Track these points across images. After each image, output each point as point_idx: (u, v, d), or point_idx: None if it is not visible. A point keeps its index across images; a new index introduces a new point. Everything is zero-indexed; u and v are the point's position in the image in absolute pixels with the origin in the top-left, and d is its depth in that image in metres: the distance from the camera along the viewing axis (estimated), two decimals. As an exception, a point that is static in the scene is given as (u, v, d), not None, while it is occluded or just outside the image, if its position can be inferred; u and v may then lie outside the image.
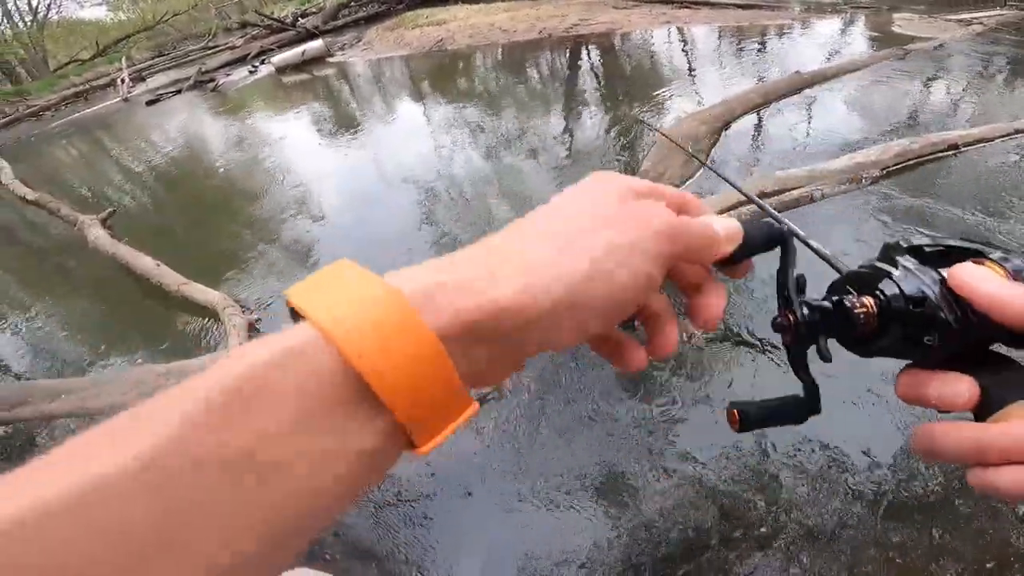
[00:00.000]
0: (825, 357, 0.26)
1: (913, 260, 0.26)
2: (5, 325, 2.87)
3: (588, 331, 0.21)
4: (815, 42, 4.17)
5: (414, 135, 3.99)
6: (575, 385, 1.61)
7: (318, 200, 3.32)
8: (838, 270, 0.29)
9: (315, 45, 7.28)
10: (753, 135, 2.82)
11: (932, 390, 0.25)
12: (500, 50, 5.78)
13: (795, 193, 2.07)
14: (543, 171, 2.90)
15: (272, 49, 8.32)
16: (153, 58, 10.92)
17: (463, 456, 1.47)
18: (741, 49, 4.24)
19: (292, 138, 4.52)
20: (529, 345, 0.20)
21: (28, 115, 8.51)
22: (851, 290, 0.27)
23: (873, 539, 1.13)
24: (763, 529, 1.18)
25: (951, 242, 0.27)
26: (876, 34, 4.10)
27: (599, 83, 4.15)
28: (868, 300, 0.25)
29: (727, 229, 0.25)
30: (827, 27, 4.48)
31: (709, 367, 1.57)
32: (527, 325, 0.19)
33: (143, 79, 9.11)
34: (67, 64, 12.52)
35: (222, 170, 4.27)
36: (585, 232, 0.21)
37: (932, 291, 0.24)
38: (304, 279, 0.18)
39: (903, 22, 4.19)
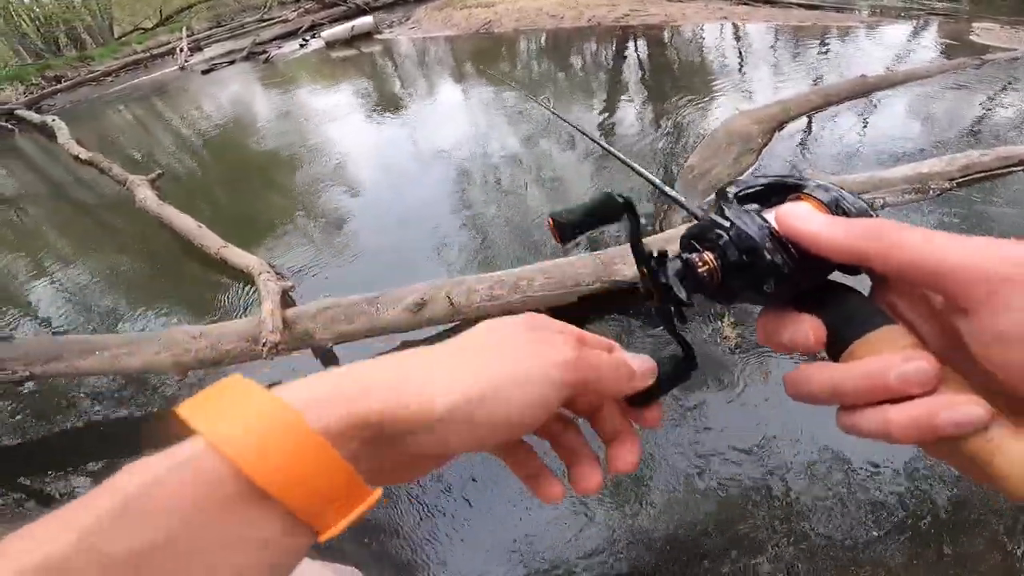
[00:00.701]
0: (688, 304, 0.27)
1: (739, 207, 0.26)
2: (48, 279, 3.02)
3: (482, 446, 0.23)
4: (882, 46, 3.93)
5: (453, 115, 3.98)
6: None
7: (355, 174, 3.35)
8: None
9: (364, 21, 7.34)
10: (809, 137, 2.69)
11: (783, 335, 0.25)
12: (545, 36, 5.69)
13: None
14: (578, 159, 2.84)
15: (323, 23, 8.44)
16: (211, 28, 11.23)
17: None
18: (801, 50, 4.04)
19: (335, 112, 4.58)
20: (425, 449, 0.21)
21: (90, 80, 8.89)
22: (696, 247, 0.27)
23: (881, 555, 1.07)
24: (767, 538, 1.13)
25: (770, 180, 0.27)
26: (951, 41, 3.83)
27: (645, 76, 4.02)
28: (708, 255, 0.26)
29: (642, 365, 0.27)
30: (896, 32, 4.22)
31: (740, 373, 1.51)
32: (419, 431, 0.21)
33: (200, 49, 9.38)
34: (131, 32, 12.99)
35: (266, 140, 4.37)
36: (489, 357, 0.23)
37: (761, 237, 0.24)
38: (194, 396, 0.19)
39: (982, 31, 3.90)
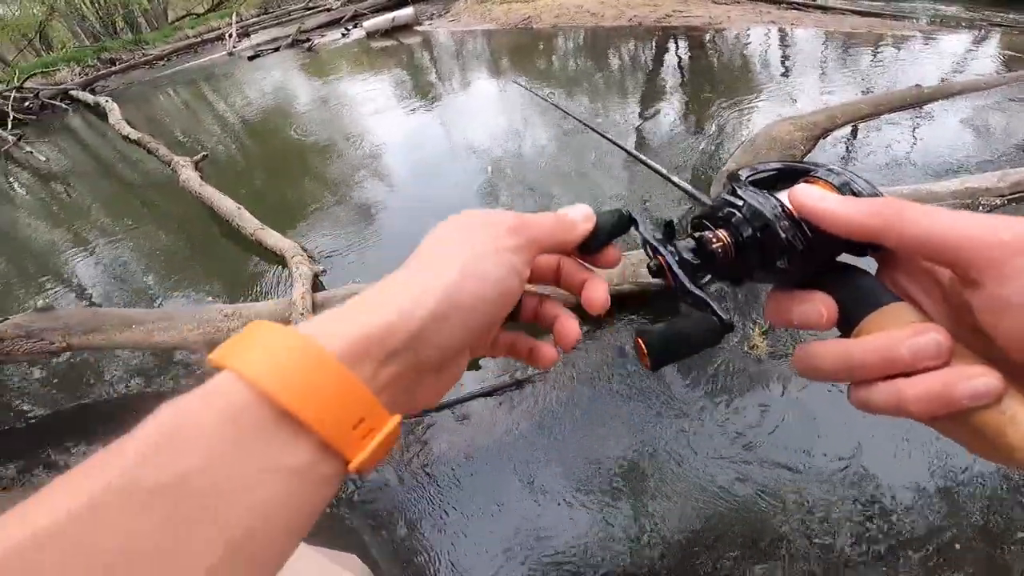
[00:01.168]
0: (700, 283, 0.27)
1: (754, 188, 0.26)
2: (89, 253, 3.16)
3: (475, 328, 0.24)
4: (939, 56, 3.75)
5: (487, 110, 3.99)
6: (631, 386, 1.57)
7: (388, 163, 3.40)
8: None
9: (405, 13, 7.41)
10: (854, 146, 2.59)
11: (794, 312, 0.25)
12: (584, 33, 5.63)
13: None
14: (611, 158, 2.81)
15: (365, 13, 8.56)
16: (259, 15, 11.55)
17: (502, 439, 1.47)
18: (852, 57, 3.89)
19: (371, 102, 4.65)
20: (424, 353, 0.22)
21: (143, 63, 9.25)
22: (708, 226, 0.28)
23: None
24: (788, 549, 1.10)
25: (781, 166, 0.28)
26: (1013, 54, 3.63)
27: (685, 77, 3.94)
28: (722, 233, 0.27)
29: (580, 212, 0.29)
30: (955, 41, 4.02)
31: (764, 380, 1.48)
32: (415, 336, 0.22)
33: (248, 35, 9.66)
34: (183, 17, 13.48)
35: (304, 127, 4.46)
36: (452, 249, 0.25)
37: (775, 215, 0.25)
38: (224, 343, 0.20)
39: (1049, 42, 3.68)
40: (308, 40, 7.88)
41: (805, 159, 2.31)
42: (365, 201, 2.99)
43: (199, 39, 9.96)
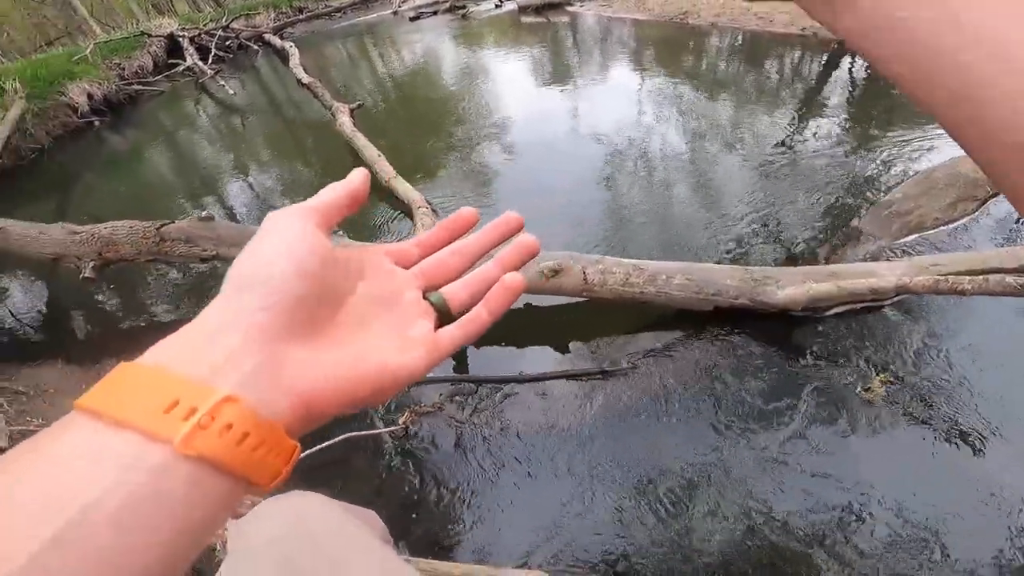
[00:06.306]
0: None
1: None
2: (245, 176, 3.67)
3: (288, 289, 0.24)
4: None
5: (620, 99, 3.91)
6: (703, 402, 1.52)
7: (514, 136, 3.50)
8: None
9: (561, -9, 7.41)
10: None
11: None
12: (744, 35, 5.24)
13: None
14: (743, 169, 2.64)
15: (521, -13, 8.69)
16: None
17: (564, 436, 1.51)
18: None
19: (509, 76, 4.79)
20: (253, 320, 0.22)
21: (324, 13, 10.25)
22: None
23: None
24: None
25: None
26: None
27: (852, 97, 3.54)
28: None
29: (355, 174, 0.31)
30: None
31: (866, 426, 1.35)
32: (231, 311, 0.23)
33: (413, -4, 10.28)
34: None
35: (445, 90, 4.73)
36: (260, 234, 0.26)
37: None
38: (93, 387, 0.20)
39: None
40: (464, 7, 8.22)
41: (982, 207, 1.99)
42: (485, 168, 3.12)
43: (376, -6, 10.73)
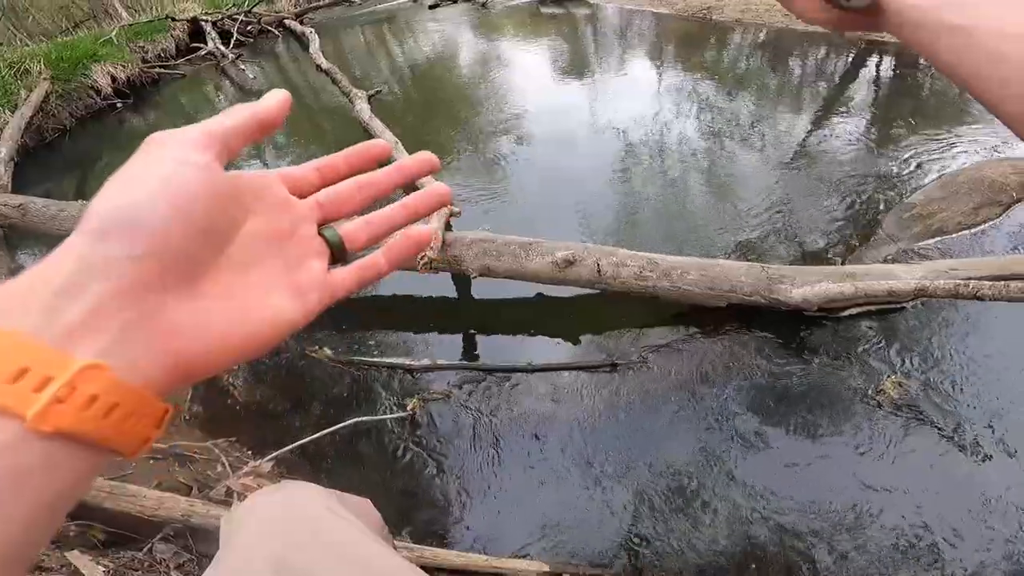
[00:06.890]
0: None
1: None
2: (260, 162, 3.73)
3: (157, 227, 0.20)
4: None
5: (637, 92, 3.87)
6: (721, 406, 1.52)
7: (530, 126, 3.49)
8: None
9: (581, -17, 7.33)
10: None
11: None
12: (767, 32, 5.15)
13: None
14: (760, 167, 2.61)
15: (542, -20, 8.61)
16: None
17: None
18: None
19: (527, 66, 4.77)
20: (115, 271, 0.19)
21: (344, 0, 10.25)
22: None
23: None
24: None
25: None
26: None
27: (880, 96, 3.47)
28: None
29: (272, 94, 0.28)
30: None
31: (874, 429, 1.33)
32: (86, 260, 0.19)
33: (432, -16, 10.24)
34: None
35: (462, 79, 4.72)
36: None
37: None
38: None
39: None
40: (484, -4, 8.17)
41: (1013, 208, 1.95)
42: (502, 157, 3.11)
43: (394, -18, 10.72)
